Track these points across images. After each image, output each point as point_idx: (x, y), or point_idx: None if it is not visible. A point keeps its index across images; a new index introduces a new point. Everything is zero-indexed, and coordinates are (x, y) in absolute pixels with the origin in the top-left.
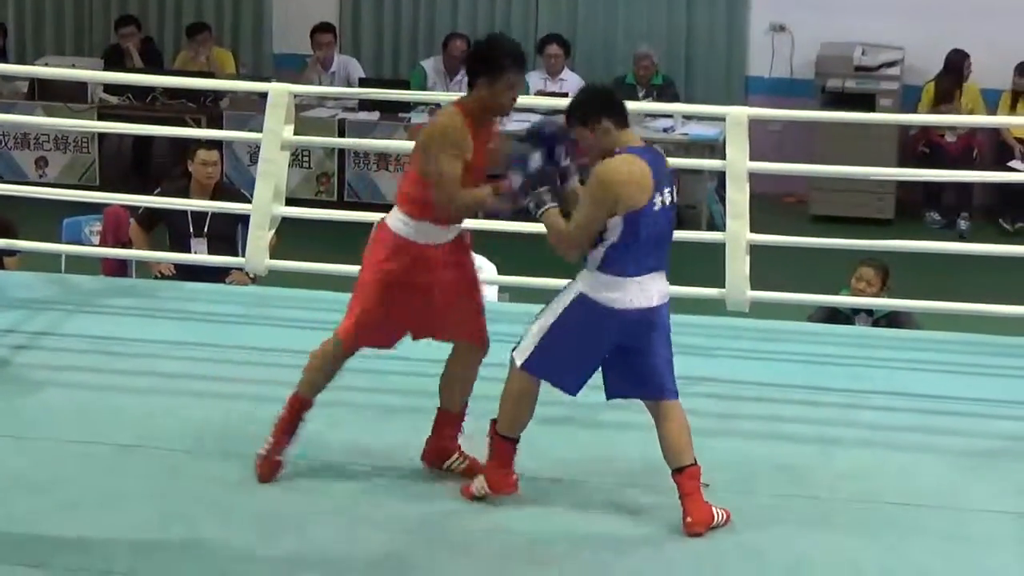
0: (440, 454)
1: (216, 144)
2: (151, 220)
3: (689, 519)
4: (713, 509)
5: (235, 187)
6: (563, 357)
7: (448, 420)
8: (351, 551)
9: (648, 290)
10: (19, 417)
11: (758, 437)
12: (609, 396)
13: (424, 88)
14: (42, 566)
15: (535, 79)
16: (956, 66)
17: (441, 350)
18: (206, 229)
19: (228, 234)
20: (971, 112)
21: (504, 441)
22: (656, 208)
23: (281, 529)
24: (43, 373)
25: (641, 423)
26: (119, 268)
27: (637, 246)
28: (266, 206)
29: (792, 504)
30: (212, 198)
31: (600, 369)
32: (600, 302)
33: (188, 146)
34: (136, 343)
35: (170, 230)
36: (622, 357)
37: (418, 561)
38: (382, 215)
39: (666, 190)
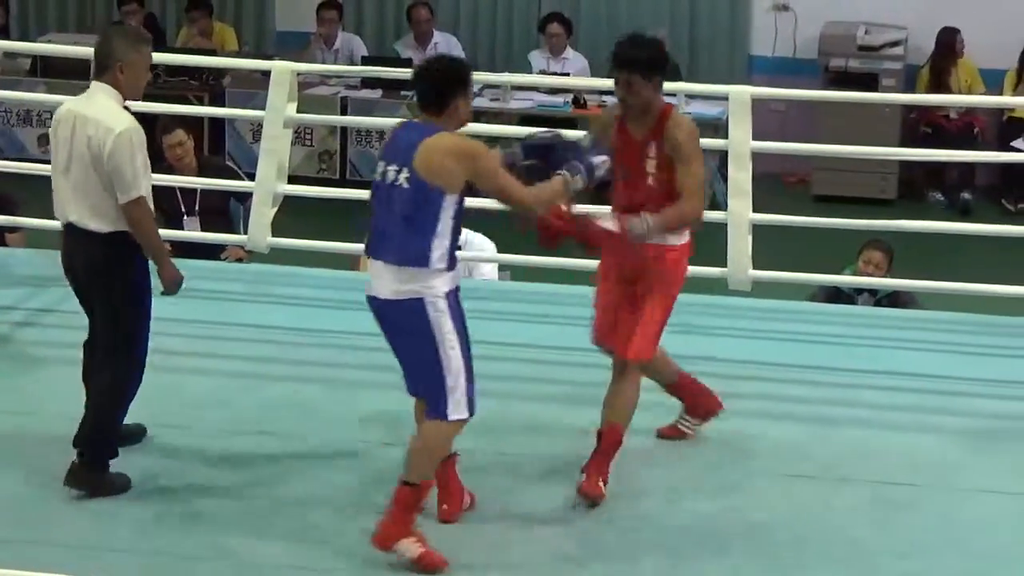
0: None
1: (180, 122)
2: None
3: (379, 529)
4: (407, 539)
5: (219, 160)
6: None
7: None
8: (347, 532)
9: (372, 275)
10: (21, 393)
11: (759, 416)
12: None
13: (411, 63)
14: (40, 542)
15: (537, 59)
16: (948, 44)
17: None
18: (197, 206)
19: (220, 208)
20: (969, 89)
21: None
22: (376, 178)
23: (281, 507)
24: (45, 350)
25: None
26: None
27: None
28: (269, 184)
29: (793, 483)
30: (199, 174)
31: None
32: None
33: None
34: None
35: (162, 212)
36: None
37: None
38: None
39: (391, 166)
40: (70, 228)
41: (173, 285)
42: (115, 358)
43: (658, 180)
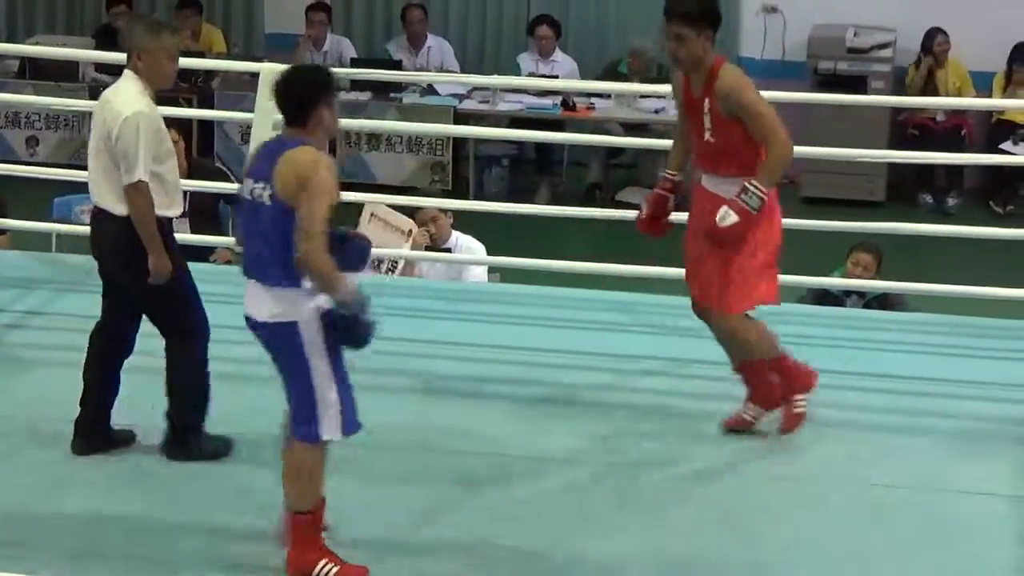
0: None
1: (172, 122)
2: None
3: (290, 562)
4: (321, 562)
5: (210, 162)
6: None
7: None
8: (334, 535)
9: (248, 295)
10: (9, 396)
11: None
12: None
13: (401, 64)
14: (27, 545)
15: (526, 61)
16: (928, 46)
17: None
18: (186, 208)
19: (210, 210)
20: (958, 91)
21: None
22: (244, 195)
23: (267, 510)
24: (33, 352)
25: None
26: None
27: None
28: None
29: (782, 486)
30: (188, 176)
31: None
32: None
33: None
34: None
35: None
36: None
37: (416, 547)
38: (374, 196)
39: (257, 183)
40: (97, 211)
41: (159, 276)
42: (174, 338)
43: (715, 136)
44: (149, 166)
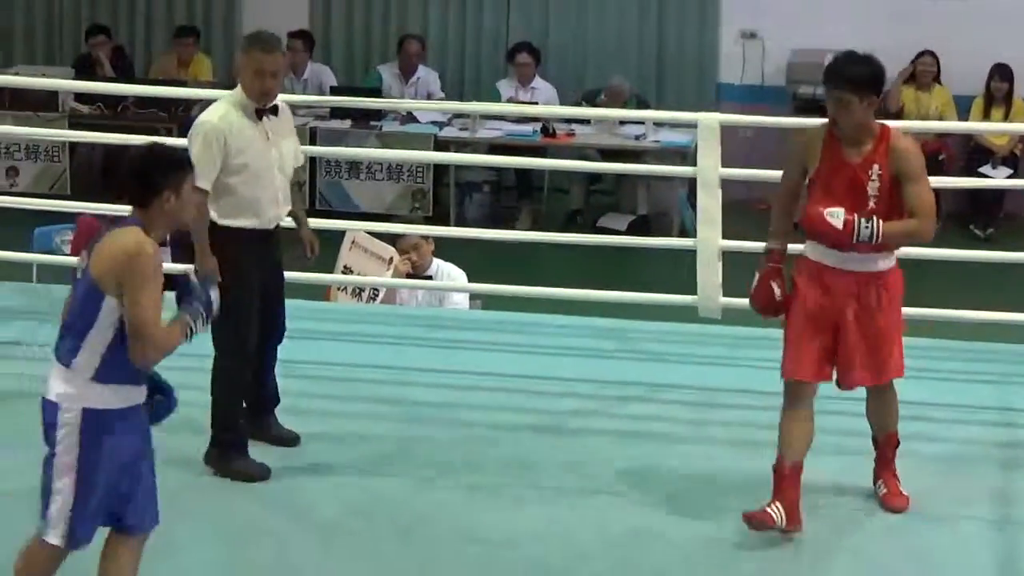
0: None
1: None
2: None
3: None
4: None
5: None
6: None
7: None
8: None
9: None
10: None
11: (729, 444)
12: None
13: (380, 92)
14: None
15: (506, 88)
16: (912, 70)
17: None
18: (168, 237)
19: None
20: (941, 115)
21: None
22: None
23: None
24: (14, 383)
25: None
26: None
27: None
28: None
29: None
30: None
31: None
32: None
33: None
34: None
35: None
36: None
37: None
38: (355, 223)
39: (87, 252)
40: None
41: (203, 276)
42: (217, 348)
43: (881, 202)
44: (212, 176)
